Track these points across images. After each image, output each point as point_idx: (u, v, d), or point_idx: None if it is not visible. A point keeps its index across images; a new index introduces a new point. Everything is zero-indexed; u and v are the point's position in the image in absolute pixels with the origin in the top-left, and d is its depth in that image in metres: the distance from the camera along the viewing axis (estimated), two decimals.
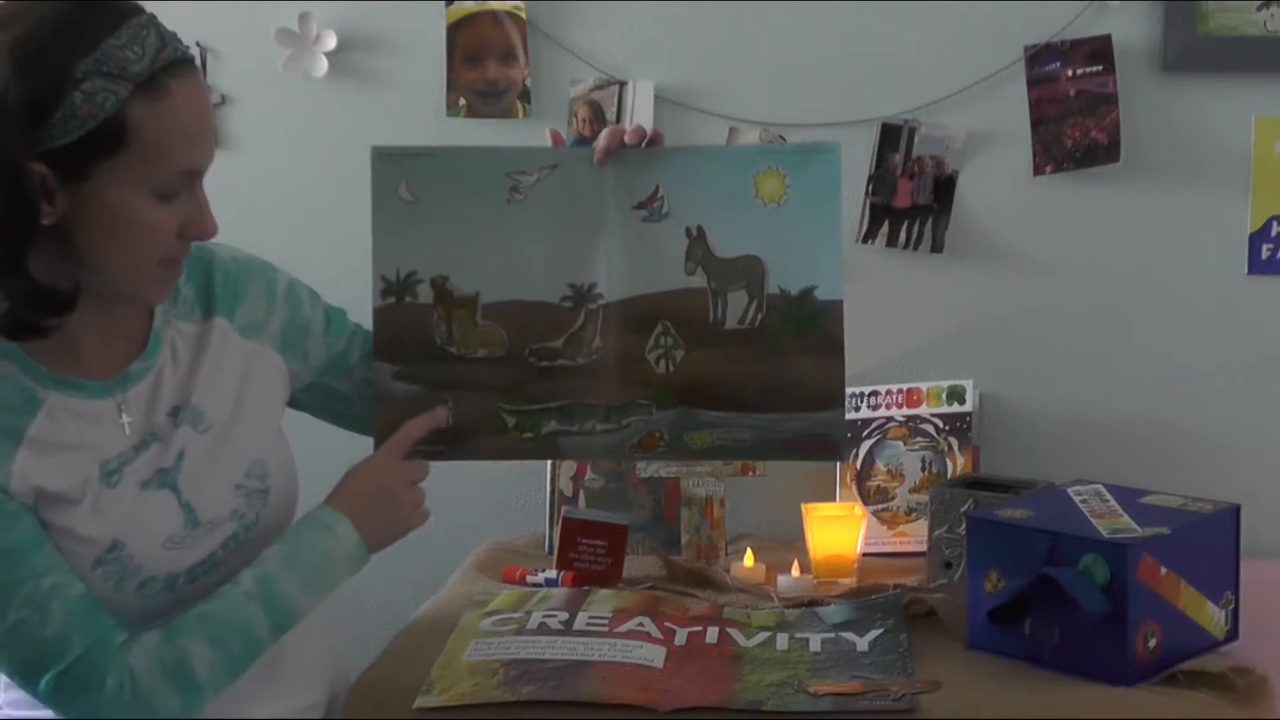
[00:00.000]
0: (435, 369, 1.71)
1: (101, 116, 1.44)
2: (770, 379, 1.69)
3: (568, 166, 1.70)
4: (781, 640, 1.87)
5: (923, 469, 2.34)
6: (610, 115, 2.41)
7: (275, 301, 1.72)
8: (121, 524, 1.56)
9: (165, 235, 1.51)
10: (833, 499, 2.36)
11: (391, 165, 1.71)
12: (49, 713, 1.59)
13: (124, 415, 1.58)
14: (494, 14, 2.42)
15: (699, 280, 1.69)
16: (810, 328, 1.69)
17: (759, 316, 1.69)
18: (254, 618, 1.56)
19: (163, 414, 1.61)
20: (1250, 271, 2.38)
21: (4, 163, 1.43)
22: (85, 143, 1.44)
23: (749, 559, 2.20)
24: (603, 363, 1.70)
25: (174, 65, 1.48)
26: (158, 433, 1.60)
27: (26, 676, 1.52)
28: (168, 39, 1.49)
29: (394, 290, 1.69)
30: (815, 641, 1.87)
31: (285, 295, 1.74)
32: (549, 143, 1.73)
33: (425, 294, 1.69)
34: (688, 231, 1.70)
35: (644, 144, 1.70)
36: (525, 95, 2.43)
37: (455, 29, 2.43)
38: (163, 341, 1.63)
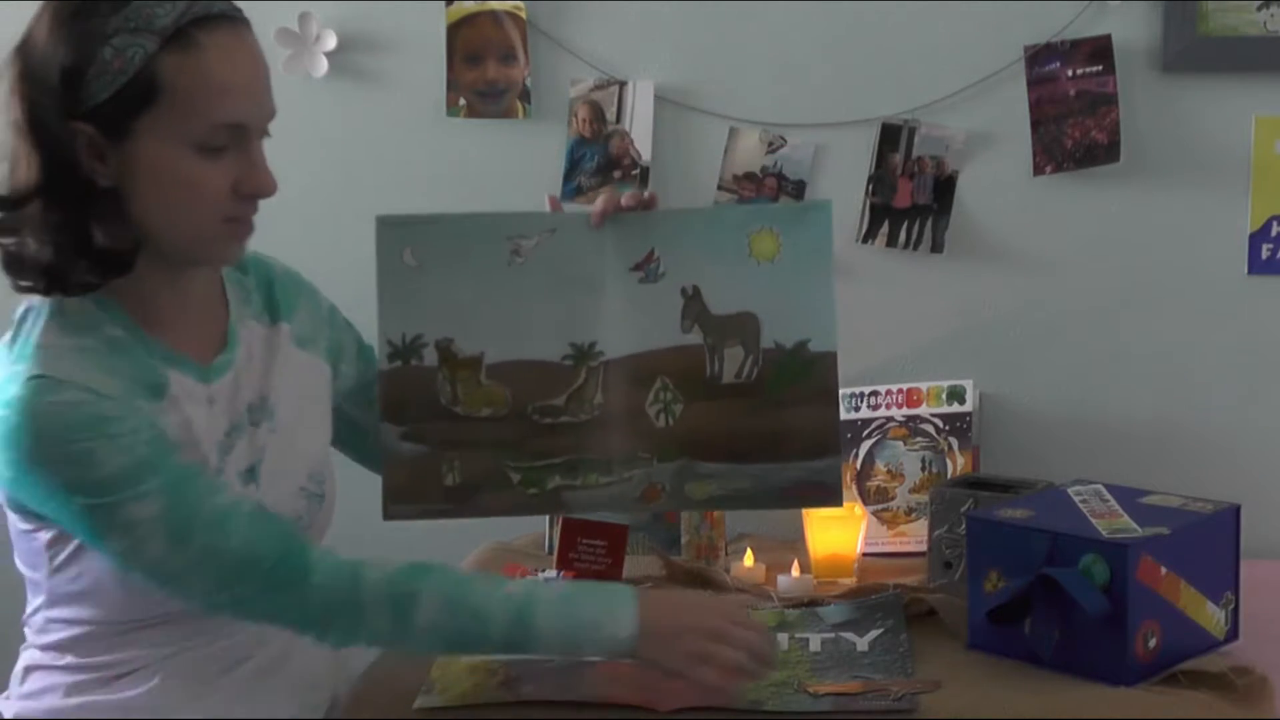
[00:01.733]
0: (441, 428, 1.74)
1: (131, 71, 1.47)
2: (767, 430, 1.73)
3: (566, 230, 1.75)
4: (781, 640, 1.87)
5: (923, 469, 2.34)
6: (610, 115, 2.41)
7: (321, 318, 1.77)
8: None
9: (215, 191, 1.52)
10: None
11: (396, 232, 1.76)
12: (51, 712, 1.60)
13: (214, 404, 1.60)
14: (494, 14, 2.42)
15: (695, 337, 1.74)
16: (805, 377, 1.73)
17: (755, 370, 1.73)
18: (496, 619, 1.56)
19: (243, 409, 1.63)
20: (1250, 271, 2.38)
21: (50, 123, 1.47)
22: (120, 99, 1.47)
23: (749, 559, 2.20)
24: (604, 418, 1.74)
25: (206, 20, 1.49)
26: (241, 427, 1.62)
27: (221, 593, 1.53)
28: None
29: (400, 354, 1.72)
30: (815, 641, 1.87)
31: (329, 315, 1.79)
32: (547, 207, 1.78)
33: (430, 356, 1.73)
34: (683, 291, 1.74)
35: (640, 208, 1.74)
36: (525, 95, 2.43)
37: (455, 29, 2.43)
38: (239, 338, 1.65)
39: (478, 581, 1.58)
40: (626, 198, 1.74)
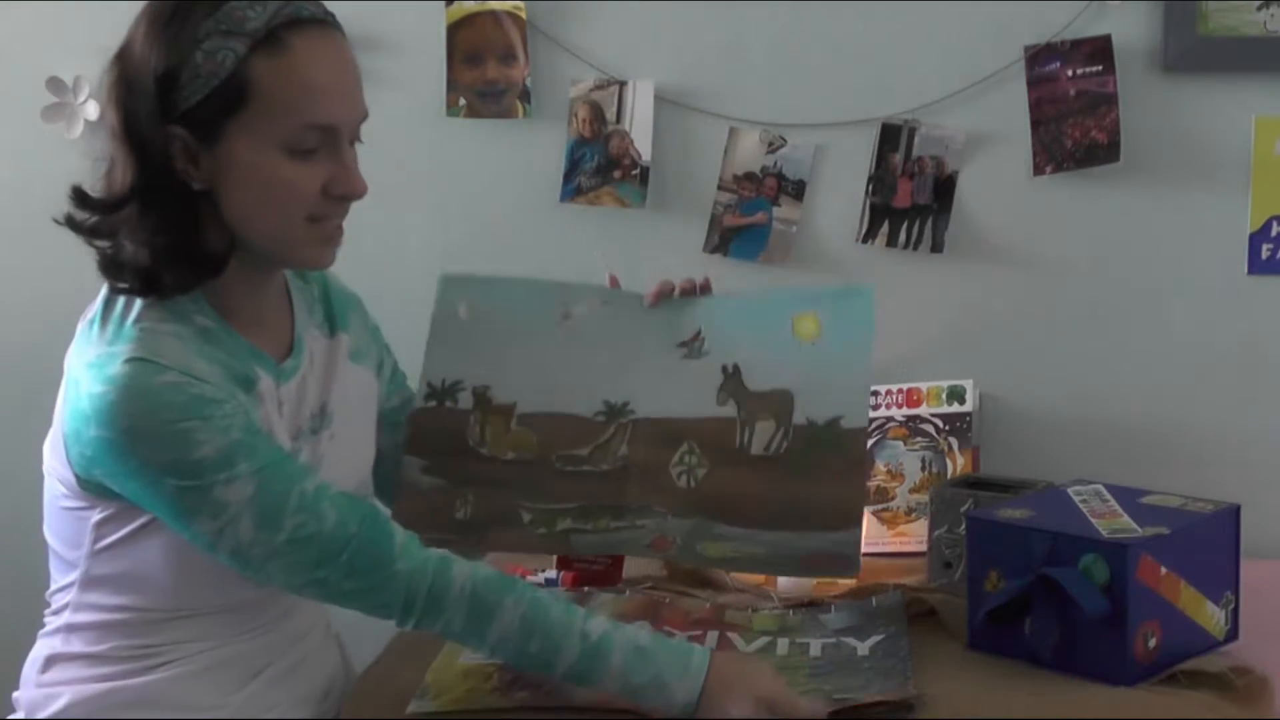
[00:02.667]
0: (463, 466, 1.77)
1: (223, 74, 1.49)
2: (790, 499, 1.72)
3: (619, 305, 1.80)
4: (782, 645, 1.86)
5: (923, 469, 2.34)
6: (610, 115, 2.41)
7: (368, 334, 1.81)
8: None
9: (305, 192, 1.54)
10: None
11: (457, 288, 1.82)
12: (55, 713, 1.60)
13: (283, 408, 1.62)
14: (494, 14, 2.42)
15: (729, 410, 1.75)
16: (833, 451, 1.73)
17: (784, 444, 1.74)
18: (568, 651, 1.56)
19: (307, 416, 1.65)
20: (1250, 271, 2.38)
21: (145, 127, 1.50)
22: (212, 102, 1.49)
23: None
24: (625, 470, 1.75)
25: (297, 22, 1.51)
26: (304, 434, 1.64)
27: (308, 574, 1.54)
28: None
29: (437, 395, 1.76)
30: (816, 646, 1.86)
31: (374, 333, 1.83)
32: (606, 281, 1.84)
33: (466, 400, 1.76)
34: (724, 369, 1.77)
35: (695, 292, 1.82)
36: (525, 95, 2.43)
37: (455, 29, 2.43)
38: (305, 344, 1.68)
39: (557, 609, 1.57)
40: (683, 283, 1.82)
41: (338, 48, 1.57)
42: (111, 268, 1.54)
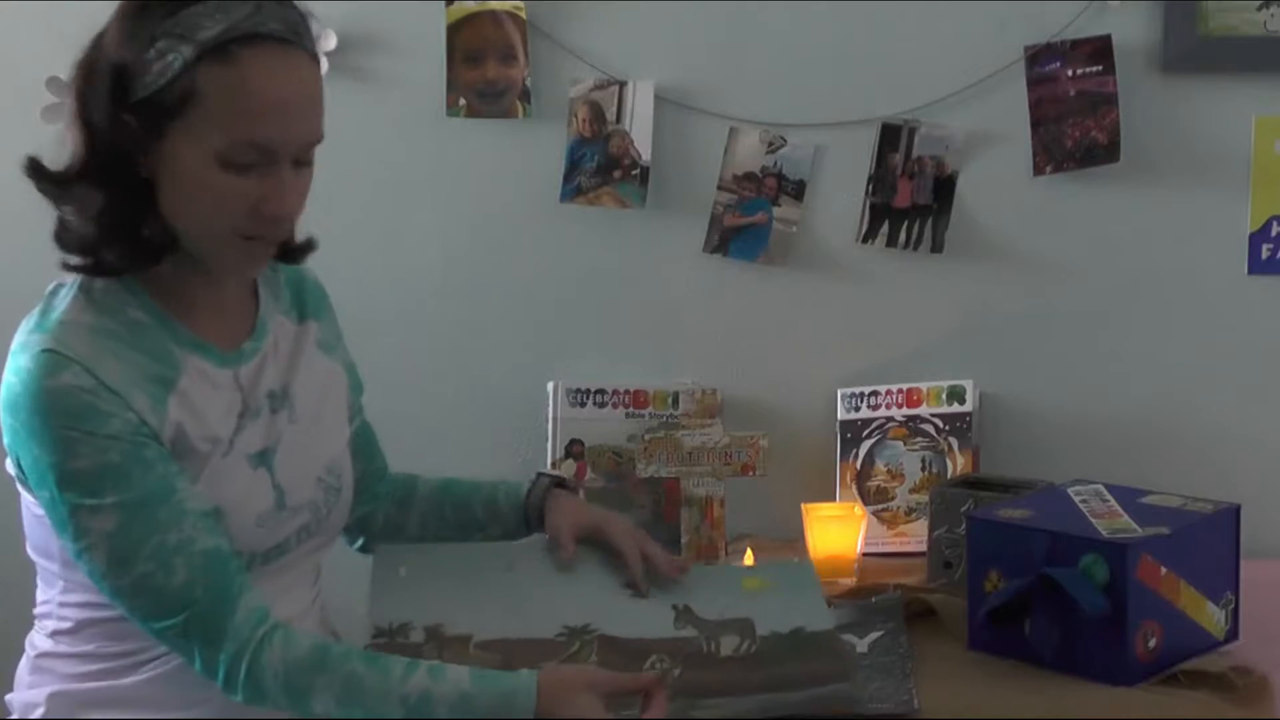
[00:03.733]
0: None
1: (169, 75, 1.50)
2: (772, 677, 1.67)
3: (558, 553, 1.80)
4: None
5: (923, 469, 2.34)
6: (610, 115, 2.41)
7: (338, 336, 1.80)
8: (227, 493, 1.59)
9: (234, 206, 1.53)
10: (833, 499, 2.36)
11: (393, 555, 1.81)
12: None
13: (239, 388, 1.63)
14: (494, 14, 2.42)
15: (689, 632, 1.73)
16: (807, 648, 1.70)
17: (753, 648, 1.71)
18: (390, 714, 1.53)
19: (263, 396, 1.65)
20: (1250, 271, 2.38)
21: (98, 109, 1.53)
22: (157, 101, 1.51)
23: (749, 559, 2.20)
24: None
25: (255, 38, 1.50)
26: (260, 411, 1.65)
27: (148, 623, 1.54)
28: (269, 14, 1.51)
29: (386, 634, 1.70)
30: None
31: (341, 339, 1.81)
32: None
33: (418, 635, 1.71)
34: (674, 607, 1.75)
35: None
36: (525, 95, 2.43)
37: (455, 29, 2.43)
38: (268, 329, 1.69)
39: (373, 677, 1.53)
40: (666, 568, 1.80)
41: (293, 67, 1.54)
42: (61, 239, 1.58)
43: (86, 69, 1.55)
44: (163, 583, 1.51)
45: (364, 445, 1.85)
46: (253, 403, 1.64)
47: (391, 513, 1.89)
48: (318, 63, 1.58)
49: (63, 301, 1.57)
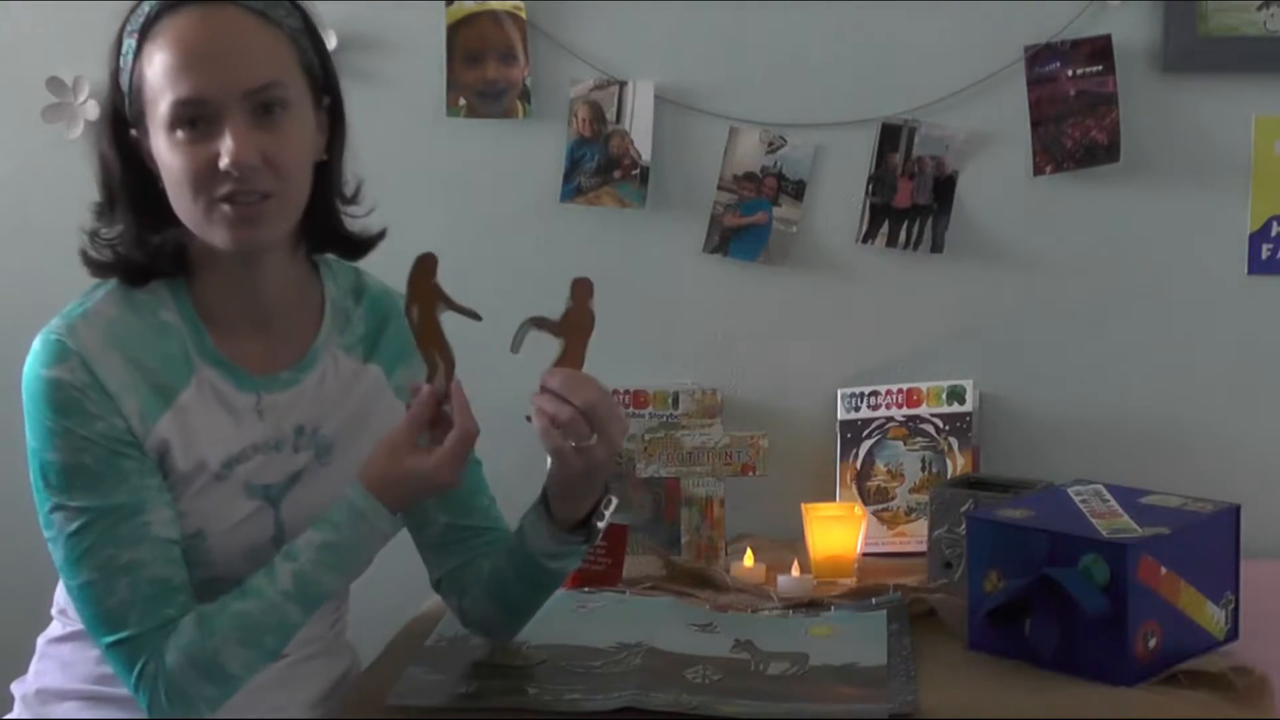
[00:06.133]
0: (468, 668, 1.80)
1: (128, 69, 1.53)
2: (811, 693, 1.70)
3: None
4: None
5: (923, 469, 2.34)
6: (610, 115, 2.41)
7: None
8: (213, 519, 1.58)
9: (195, 171, 1.52)
10: (833, 499, 2.36)
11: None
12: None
13: (258, 415, 1.61)
14: (494, 14, 2.42)
15: (743, 655, 1.80)
16: (856, 676, 1.75)
17: (801, 672, 1.76)
18: (290, 614, 1.55)
19: (290, 428, 1.62)
20: (1250, 271, 2.38)
21: (107, 131, 1.56)
22: (131, 99, 1.54)
23: (749, 559, 2.20)
24: (640, 666, 1.76)
25: (176, 6, 1.52)
26: (279, 444, 1.62)
27: (89, 629, 1.56)
28: None
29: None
30: None
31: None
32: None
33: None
34: (736, 640, 1.83)
35: None
36: (525, 95, 2.43)
37: (455, 29, 2.43)
38: (319, 361, 1.65)
39: (252, 599, 1.53)
40: None
41: (217, 22, 1.52)
42: (93, 263, 1.59)
43: (106, 87, 1.58)
44: (101, 597, 1.52)
45: (455, 500, 1.77)
46: (274, 434, 1.61)
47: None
48: (265, 17, 1.54)
49: (99, 291, 1.59)
